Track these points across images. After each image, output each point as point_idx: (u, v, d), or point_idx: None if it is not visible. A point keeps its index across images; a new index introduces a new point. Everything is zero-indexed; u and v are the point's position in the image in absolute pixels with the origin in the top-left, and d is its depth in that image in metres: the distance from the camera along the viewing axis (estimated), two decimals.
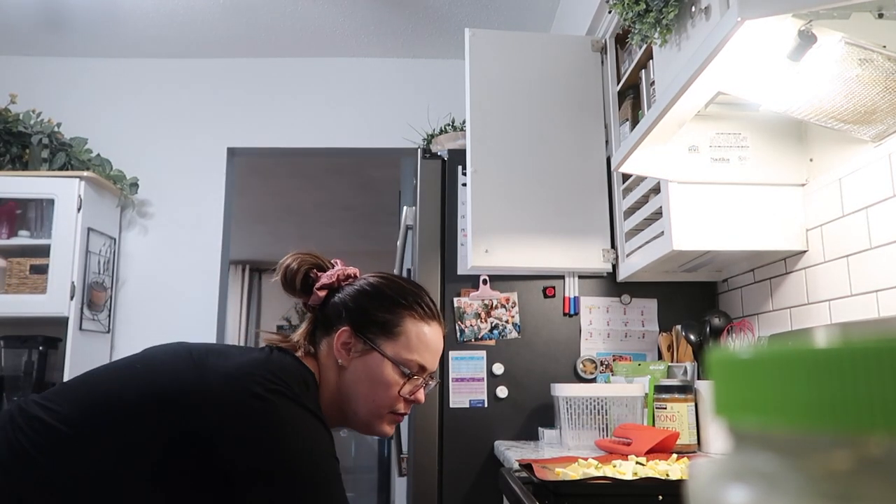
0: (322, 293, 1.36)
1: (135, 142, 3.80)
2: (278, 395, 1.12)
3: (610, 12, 2.44)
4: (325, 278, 1.36)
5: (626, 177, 2.40)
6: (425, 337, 1.33)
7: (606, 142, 2.56)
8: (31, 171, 3.37)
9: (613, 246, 2.49)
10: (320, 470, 1.12)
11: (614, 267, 2.49)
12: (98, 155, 3.62)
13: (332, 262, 1.41)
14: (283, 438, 1.10)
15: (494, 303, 2.50)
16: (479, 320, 2.48)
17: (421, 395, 1.35)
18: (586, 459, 1.57)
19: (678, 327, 2.40)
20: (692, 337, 2.29)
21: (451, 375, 2.45)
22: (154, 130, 3.83)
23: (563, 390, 2.14)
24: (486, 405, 2.44)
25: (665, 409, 1.99)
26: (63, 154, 3.46)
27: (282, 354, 1.25)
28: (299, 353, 1.31)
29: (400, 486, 3.87)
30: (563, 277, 2.55)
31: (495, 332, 2.48)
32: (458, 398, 2.44)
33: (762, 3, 1.13)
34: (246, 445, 1.09)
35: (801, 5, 1.14)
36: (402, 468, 2.57)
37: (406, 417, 1.46)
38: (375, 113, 3.90)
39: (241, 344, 8.52)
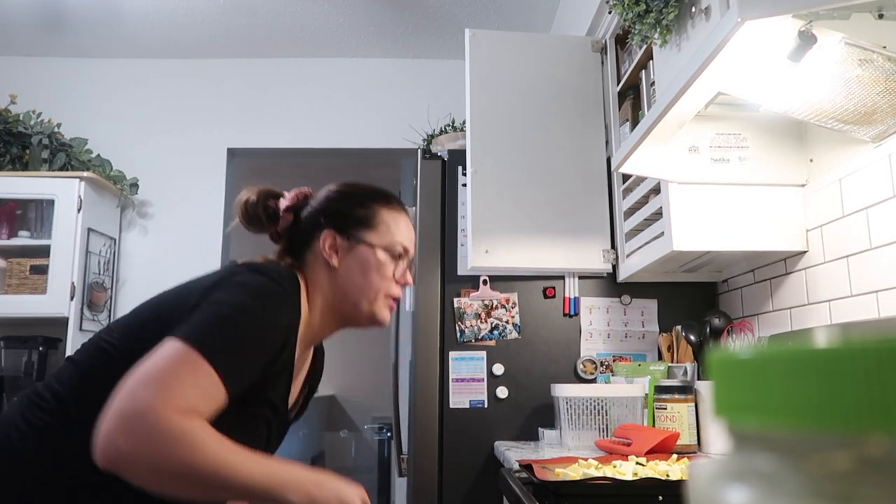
0: (290, 215, 1.41)
1: (135, 142, 3.80)
2: (253, 270, 1.22)
3: (610, 13, 2.44)
4: (289, 200, 1.41)
5: (626, 177, 2.40)
6: (401, 223, 1.41)
7: (606, 142, 2.56)
8: (32, 172, 3.37)
9: (613, 246, 2.48)
10: (251, 309, 1.15)
11: (614, 267, 2.49)
12: (98, 155, 3.62)
13: (284, 193, 1.46)
14: (241, 285, 1.17)
15: (494, 303, 2.50)
16: (479, 321, 2.48)
17: (409, 276, 1.42)
18: (586, 460, 1.57)
19: (678, 328, 2.40)
20: (692, 337, 2.29)
21: (451, 376, 2.45)
22: (154, 131, 3.83)
23: (564, 391, 2.14)
24: (486, 405, 2.44)
25: (665, 409, 1.99)
26: (63, 154, 3.46)
27: (267, 261, 1.33)
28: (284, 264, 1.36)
29: (400, 486, 3.87)
30: (563, 278, 2.55)
31: (495, 332, 2.48)
32: (458, 398, 2.44)
33: (762, 4, 1.13)
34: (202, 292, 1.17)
35: (801, 6, 1.14)
36: (402, 468, 2.57)
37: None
38: (375, 113, 3.89)
39: None
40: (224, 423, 1.07)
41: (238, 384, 1.09)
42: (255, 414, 1.22)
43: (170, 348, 1.05)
